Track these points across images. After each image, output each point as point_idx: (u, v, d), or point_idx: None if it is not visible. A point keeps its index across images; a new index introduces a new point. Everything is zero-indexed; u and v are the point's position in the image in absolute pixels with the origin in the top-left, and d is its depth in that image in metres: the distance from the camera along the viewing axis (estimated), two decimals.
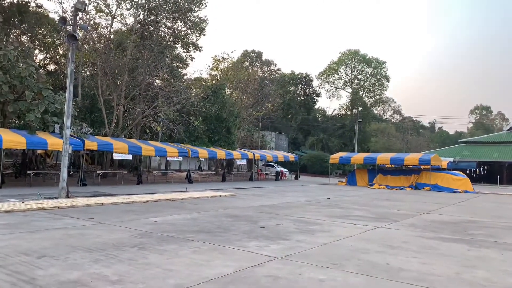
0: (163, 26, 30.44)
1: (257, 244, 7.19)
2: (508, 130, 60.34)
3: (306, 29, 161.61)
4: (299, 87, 70.39)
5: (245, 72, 40.98)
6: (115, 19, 27.29)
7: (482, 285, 5.14)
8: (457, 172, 31.58)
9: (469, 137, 74.60)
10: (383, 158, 31.58)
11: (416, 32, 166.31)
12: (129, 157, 22.09)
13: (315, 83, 70.41)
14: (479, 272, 5.78)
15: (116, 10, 27.01)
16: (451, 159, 47.19)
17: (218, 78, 36.72)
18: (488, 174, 59.52)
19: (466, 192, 26.97)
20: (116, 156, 21.12)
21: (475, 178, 50.82)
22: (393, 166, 32.83)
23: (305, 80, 69.44)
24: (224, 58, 37.57)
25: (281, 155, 36.44)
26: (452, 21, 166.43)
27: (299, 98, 69.06)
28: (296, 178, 37.76)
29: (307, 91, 70.43)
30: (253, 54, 62.91)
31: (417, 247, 7.56)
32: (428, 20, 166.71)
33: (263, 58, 62.96)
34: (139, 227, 8.52)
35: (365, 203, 16.56)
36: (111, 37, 27.54)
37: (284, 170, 39.61)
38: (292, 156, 37.45)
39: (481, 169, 62.54)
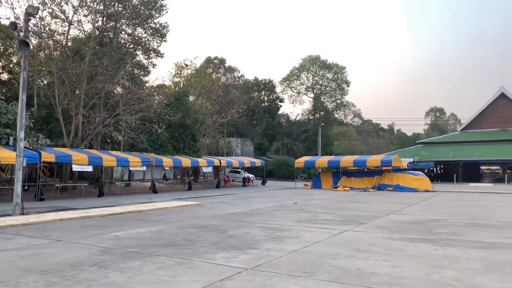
0: (123, 32, 29.64)
1: (226, 256, 6.94)
2: (461, 130, 63.26)
3: (268, 35, 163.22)
4: (263, 93, 70.81)
5: (208, 78, 40.67)
6: (72, 26, 26.27)
7: (452, 286, 5.15)
8: (417, 172, 32.60)
9: (426, 138, 77.67)
10: (347, 160, 32.14)
11: (373, 37, 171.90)
12: (90, 168, 21.20)
13: (278, 89, 71.14)
14: (447, 272, 5.81)
15: (73, 16, 26.01)
16: (411, 160, 48.91)
17: (181, 85, 36.19)
18: (445, 172, 62.22)
19: (426, 191, 27.81)
20: (75, 167, 20.23)
21: (433, 177, 52.87)
22: (356, 168, 33.47)
23: (269, 86, 69.97)
24: (187, 65, 37.13)
25: (247, 161, 36.29)
26: (406, 27, 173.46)
27: (263, 104, 69.42)
28: (263, 183, 37.70)
29: (271, 97, 70.97)
30: (216, 61, 62.68)
31: (386, 249, 7.57)
32: (383, 26, 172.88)
33: (226, 65, 62.88)
34: (100, 243, 8.05)
35: (332, 206, 16.66)
36: (68, 44, 26.48)
37: (250, 176, 39.48)
38: (258, 162, 37.39)
39: (438, 168, 65.25)
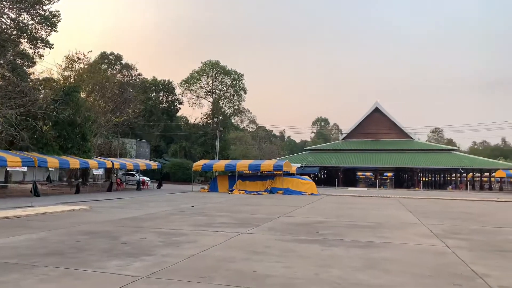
0: (5, 16, 26.41)
1: (118, 264, 6.62)
2: (342, 139, 69.63)
3: (169, 37, 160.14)
4: (162, 93, 69.09)
5: (103, 74, 38.31)
6: None
7: (337, 283, 5.64)
8: (304, 176, 34.98)
9: (313, 145, 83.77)
10: (242, 164, 33.10)
11: (263, 49, 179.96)
12: None
13: (178, 90, 70.08)
14: (333, 271, 6.34)
15: None
16: (299, 165, 52.23)
17: (72, 79, 33.49)
18: (328, 177, 67.85)
19: (312, 194, 29.93)
20: None
21: (318, 181, 57.26)
22: (250, 172, 34.61)
23: (168, 87, 68.52)
24: (79, 58, 34.49)
25: (142, 163, 35.00)
26: (294, 38, 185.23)
27: (161, 105, 67.70)
28: (159, 186, 36.70)
29: (170, 98, 69.58)
30: (112, 57, 59.29)
31: (279, 250, 7.96)
32: (268, 38, 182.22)
33: (123, 62, 59.87)
34: None
35: (228, 209, 16.95)
36: None
37: (146, 179, 38.16)
38: (154, 164, 36.32)
39: (322, 173, 70.83)
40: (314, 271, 6.30)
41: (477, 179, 63.22)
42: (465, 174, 61.32)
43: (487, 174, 61.77)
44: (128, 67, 59.60)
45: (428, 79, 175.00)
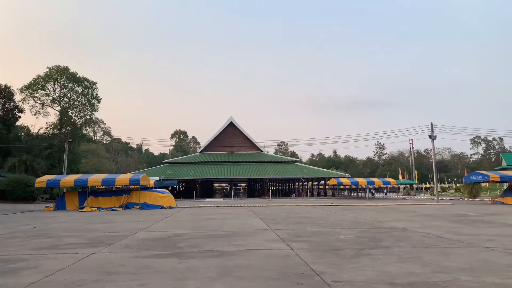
0: None
1: None
2: (200, 152, 71.26)
3: (8, 37, 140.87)
4: None
5: None
6: None
7: None
8: (162, 190, 34.58)
9: (171, 158, 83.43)
10: (95, 179, 30.99)
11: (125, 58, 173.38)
12: None
13: (18, 97, 61.78)
14: (190, 283, 6.46)
15: None
16: (157, 178, 51.40)
17: None
18: (186, 189, 68.39)
19: (170, 207, 29.76)
20: None
21: (176, 194, 57.20)
22: (104, 187, 32.64)
23: (5, 93, 59.81)
24: None
25: None
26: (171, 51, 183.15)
27: None
28: None
29: (8, 106, 60.81)
30: None
31: (134, 268, 7.75)
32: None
33: None
34: None
35: (78, 229, 15.67)
36: None
37: None
38: None
39: (181, 185, 70.97)
40: (171, 286, 6.33)
41: (315, 187, 71.35)
42: (306, 183, 68.70)
43: (322, 182, 70.53)
44: None
45: (271, 97, 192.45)
